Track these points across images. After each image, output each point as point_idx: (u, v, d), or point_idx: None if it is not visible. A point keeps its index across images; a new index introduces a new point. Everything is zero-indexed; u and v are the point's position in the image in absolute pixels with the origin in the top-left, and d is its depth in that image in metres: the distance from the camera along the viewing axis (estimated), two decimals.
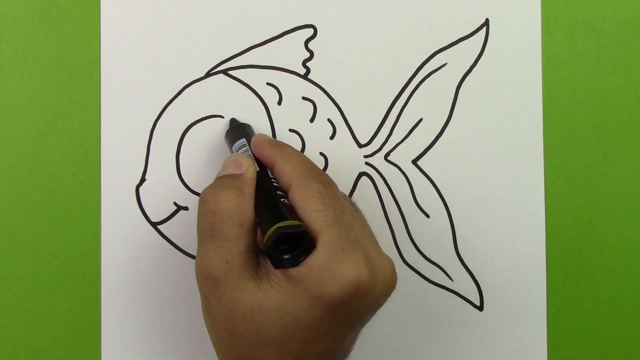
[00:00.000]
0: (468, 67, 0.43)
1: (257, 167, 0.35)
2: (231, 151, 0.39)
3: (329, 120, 0.43)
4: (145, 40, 0.42)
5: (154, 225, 0.42)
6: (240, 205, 0.32)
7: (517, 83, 0.43)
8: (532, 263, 0.43)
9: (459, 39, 0.43)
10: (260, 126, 0.42)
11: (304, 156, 0.36)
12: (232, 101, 0.42)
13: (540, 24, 0.43)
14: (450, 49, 0.43)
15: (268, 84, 0.42)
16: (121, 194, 0.42)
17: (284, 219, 0.31)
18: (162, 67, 0.42)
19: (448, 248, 0.43)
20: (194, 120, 0.42)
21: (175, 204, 0.42)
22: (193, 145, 0.42)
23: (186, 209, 0.42)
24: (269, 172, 0.35)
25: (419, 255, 0.43)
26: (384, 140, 0.43)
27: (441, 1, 0.43)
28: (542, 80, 0.43)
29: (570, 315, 0.43)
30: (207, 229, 0.32)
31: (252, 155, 0.36)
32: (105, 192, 0.42)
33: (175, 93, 0.42)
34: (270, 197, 0.33)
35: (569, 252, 0.43)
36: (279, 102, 0.42)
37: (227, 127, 0.41)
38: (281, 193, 0.34)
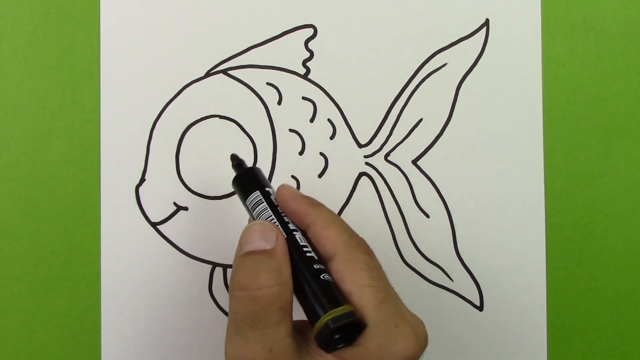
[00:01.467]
0: (468, 67, 0.43)
1: (284, 233, 0.33)
2: (244, 204, 0.35)
3: (329, 120, 0.43)
4: (145, 40, 0.42)
5: (154, 225, 0.42)
6: (281, 289, 0.30)
7: (517, 83, 0.43)
8: (532, 263, 0.43)
9: (459, 39, 0.43)
10: (260, 126, 0.42)
11: (341, 219, 0.34)
12: (232, 101, 0.42)
13: (540, 24, 0.43)
14: (450, 49, 0.43)
15: (268, 83, 0.42)
16: (121, 194, 0.42)
17: (333, 303, 0.30)
18: (162, 67, 0.42)
19: (448, 248, 0.43)
20: (194, 120, 0.42)
21: (175, 204, 0.42)
22: (193, 145, 0.42)
23: (186, 209, 0.42)
24: (298, 238, 0.32)
25: (419, 255, 0.43)
26: (384, 140, 0.43)
27: (441, 1, 0.43)
28: (542, 80, 0.43)
29: (570, 315, 0.43)
30: (246, 317, 0.30)
31: (273, 215, 0.33)
32: (105, 192, 0.42)
33: (175, 93, 0.42)
34: (309, 273, 0.31)
35: (569, 252, 0.43)
36: (279, 102, 0.42)
37: (234, 171, 0.37)
38: (319, 266, 0.31)
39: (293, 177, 0.42)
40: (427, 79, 0.43)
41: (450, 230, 0.43)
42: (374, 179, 0.43)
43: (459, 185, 0.43)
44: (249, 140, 0.42)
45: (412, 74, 0.43)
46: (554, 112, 0.43)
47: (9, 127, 0.42)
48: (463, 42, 0.43)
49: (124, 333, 0.42)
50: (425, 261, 0.43)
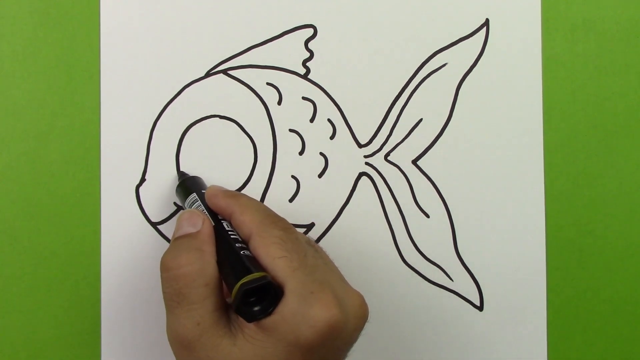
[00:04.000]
0: (468, 67, 0.43)
1: (212, 222, 0.35)
2: (184, 207, 0.39)
3: (329, 120, 0.43)
4: (145, 40, 0.42)
5: (154, 225, 0.42)
6: (202, 266, 0.33)
7: (517, 83, 0.43)
8: (532, 263, 0.43)
9: (459, 39, 0.43)
10: (260, 126, 0.42)
11: (261, 203, 0.36)
12: (232, 101, 0.42)
13: (540, 24, 0.43)
14: (450, 49, 0.43)
15: (268, 84, 0.42)
16: (121, 194, 0.42)
17: (248, 272, 0.31)
18: (162, 67, 0.42)
19: (448, 248, 0.43)
20: (194, 120, 0.42)
21: (175, 204, 0.42)
22: (193, 145, 0.42)
23: None
24: (225, 225, 0.35)
25: (419, 255, 0.43)
26: (384, 140, 0.43)
27: (441, 1, 0.43)
28: (542, 80, 0.43)
29: (570, 315, 0.43)
30: (172, 295, 0.33)
31: (205, 210, 0.36)
32: (105, 192, 0.42)
33: (175, 93, 0.42)
34: (230, 251, 0.33)
35: (569, 252, 0.43)
36: (279, 102, 0.42)
37: (177, 181, 0.41)
38: (241, 245, 0.34)
39: (293, 177, 0.42)
40: (427, 79, 0.43)
41: (450, 230, 0.43)
42: (374, 179, 0.43)
43: (459, 185, 0.43)
44: (249, 140, 0.42)
45: (412, 74, 0.43)
46: (554, 112, 0.43)
47: (9, 127, 0.42)
48: (463, 42, 0.43)
49: (124, 333, 0.42)
50: (425, 261, 0.43)
